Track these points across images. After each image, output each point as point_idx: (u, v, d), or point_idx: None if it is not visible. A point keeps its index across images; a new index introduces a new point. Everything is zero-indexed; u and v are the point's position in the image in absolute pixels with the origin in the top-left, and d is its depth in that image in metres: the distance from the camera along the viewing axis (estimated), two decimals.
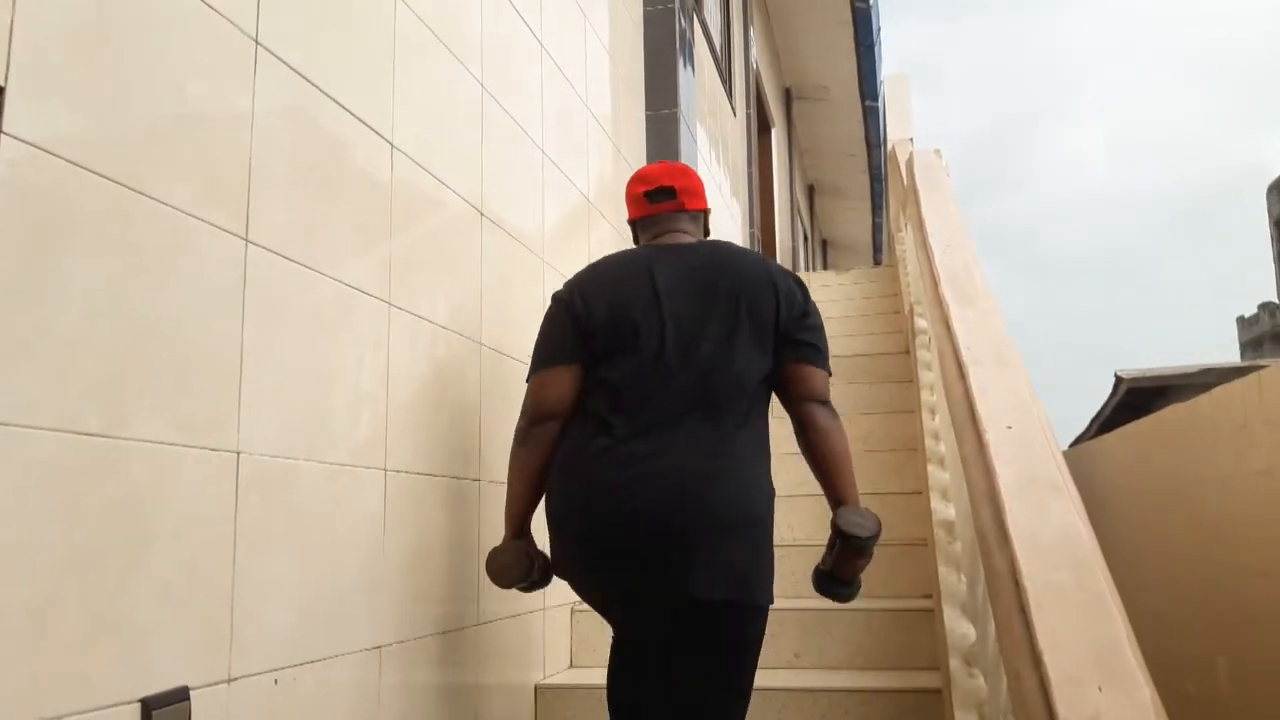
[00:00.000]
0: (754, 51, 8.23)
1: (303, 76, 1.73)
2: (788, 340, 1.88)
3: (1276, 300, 34.08)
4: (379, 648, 1.87)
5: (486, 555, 2.00)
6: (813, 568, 1.96)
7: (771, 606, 1.81)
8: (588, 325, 1.87)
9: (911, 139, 7.47)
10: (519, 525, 1.95)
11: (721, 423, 1.79)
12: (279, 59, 1.66)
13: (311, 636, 1.66)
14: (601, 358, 1.85)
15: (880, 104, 10.99)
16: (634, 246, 2.09)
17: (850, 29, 9.50)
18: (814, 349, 1.91)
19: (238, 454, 1.50)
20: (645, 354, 1.82)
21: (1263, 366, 3.82)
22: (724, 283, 1.87)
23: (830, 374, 1.95)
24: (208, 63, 1.49)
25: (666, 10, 4.28)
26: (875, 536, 1.88)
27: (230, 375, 1.51)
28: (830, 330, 3.97)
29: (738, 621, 1.74)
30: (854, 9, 9.16)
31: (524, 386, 1.95)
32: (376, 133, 1.97)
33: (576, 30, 3.33)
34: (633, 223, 2.12)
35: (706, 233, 2.12)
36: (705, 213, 2.11)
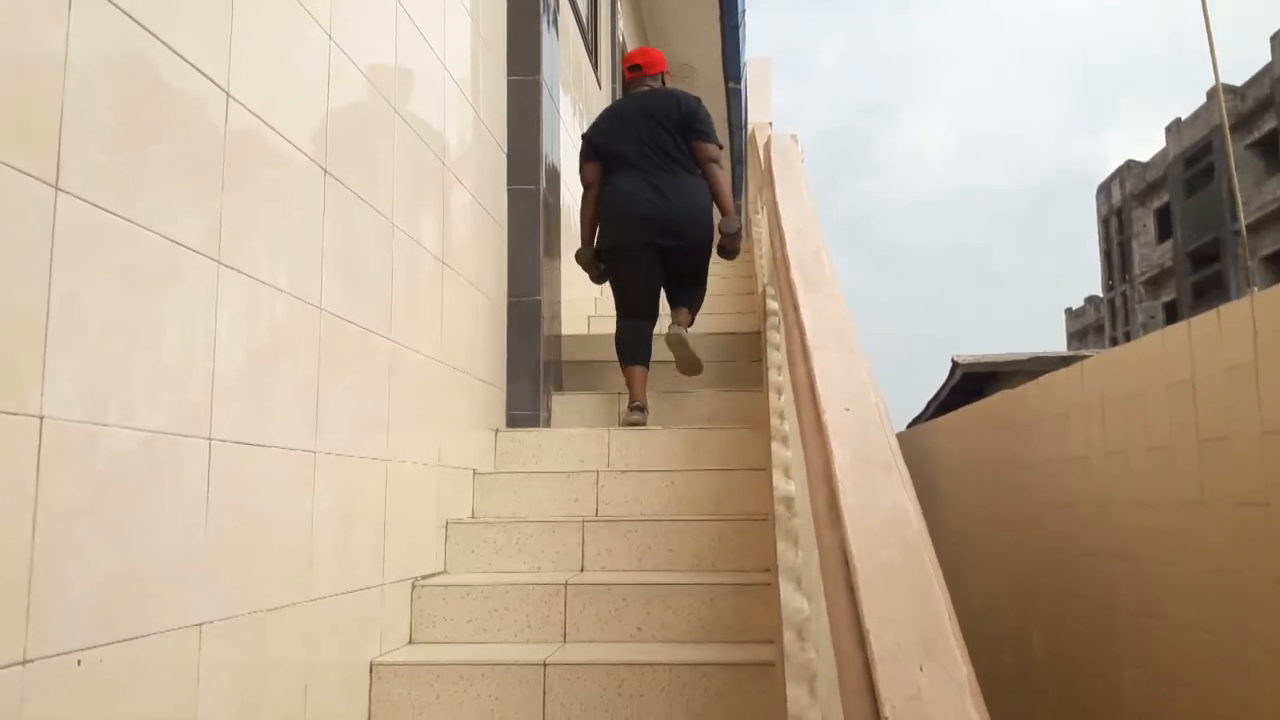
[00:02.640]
0: (621, 24, 8.20)
1: (128, 15, 1.60)
2: (688, 128, 4.00)
3: (1101, 295, 36.52)
4: (200, 625, 1.77)
5: (574, 254, 4.24)
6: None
7: (615, 580, 2.85)
8: (599, 146, 4.08)
9: (771, 122, 7.60)
10: (589, 238, 4.15)
11: (673, 172, 3.97)
12: None
13: (123, 614, 1.56)
14: (607, 160, 4.05)
15: (743, 86, 11.14)
16: (623, 96, 4.39)
17: (717, 10, 9.58)
18: (703, 132, 4.02)
19: (40, 419, 1.39)
20: (628, 153, 3.99)
21: (1086, 356, 4.06)
22: (657, 106, 4.03)
23: (721, 146, 4.08)
24: None
25: None
26: (738, 233, 4.07)
27: (34, 334, 1.39)
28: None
29: (695, 252, 4.08)
30: None
31: (367, 353, 2.56)
32: (211, 80, 1.84)
33: None
34: (625, 83, 4.37)
35: (663, 82, 4.35)
36: (662, 74, 4.36)
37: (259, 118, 2.02)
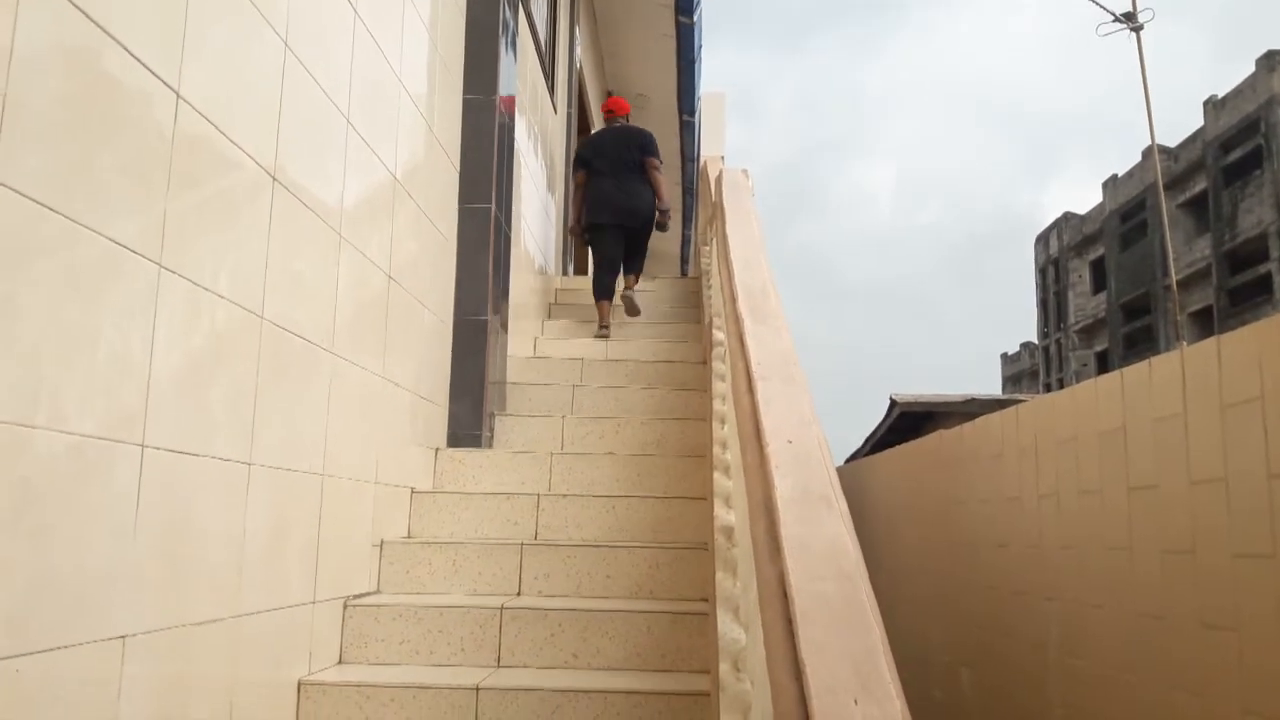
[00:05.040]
0: (579, 52, 8.24)
1: (78, 7, 1.57)
2: (645, 150, 6.17)
3: (1036, 341, 37.37)
4: (123, 637, 1.72)
5: (567, 228, 6.87)
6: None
7: (552, 605, 2.86)
8: (588, 159, 6.19)
9: (723, 157, 7.68)
10: (579, 217, 6.26)
11: (633, 181, 6.11)
12: None
13: (40, 623, 1.51)
14: (592, 169, 6.14)
15: (696, 120, 11.25)
16: (603, 127, 6.62)
17: (674, 43, 9.68)
18: (652, 153, 6.20)
19: None
20: (606, 165, 6.10)
21: (1021, 400, 4.15)
22: (623, 137, 6.26)
23: (661, 160, 6.32)
24: None
25: None
26: (667, 212, 6.26)
27: None
28: (635, 333, 4.78)
29: (642, 227, 6.22)
30: (678, 24, 9.34)
31: (308, 365, 2.53)
32: (161, 80, 1.81)
33: (395, 3, 3.20)
34: (605, 120, 6.63)
35: (627, 119, 6.64)
36: (626, 115, 6.62)
37: (209, 121, 1.99)
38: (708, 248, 5.84)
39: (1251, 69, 24.23)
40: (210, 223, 2.01)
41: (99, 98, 1.64)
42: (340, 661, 2.74)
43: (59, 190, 1.53)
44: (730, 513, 2.76)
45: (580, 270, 8.50)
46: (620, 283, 6.13)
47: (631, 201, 6.08)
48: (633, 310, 6.02)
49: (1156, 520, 2.67)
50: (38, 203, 1.48)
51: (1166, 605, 2.61)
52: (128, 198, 1.72)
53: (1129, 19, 5.54)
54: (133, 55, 1.72)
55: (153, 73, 1.78)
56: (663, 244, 16.38)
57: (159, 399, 1.82)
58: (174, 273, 1.86)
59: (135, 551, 1.75)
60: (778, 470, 1.61)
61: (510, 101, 4.44)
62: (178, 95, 1.87)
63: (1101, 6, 5.36)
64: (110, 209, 1.67)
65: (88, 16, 1.59)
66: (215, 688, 2.07)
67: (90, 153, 1.61)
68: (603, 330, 5.82)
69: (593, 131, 8.91)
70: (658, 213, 6.23)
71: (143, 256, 1.76)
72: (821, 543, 1.39)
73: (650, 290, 6.96)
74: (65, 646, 1.56)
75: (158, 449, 1.81)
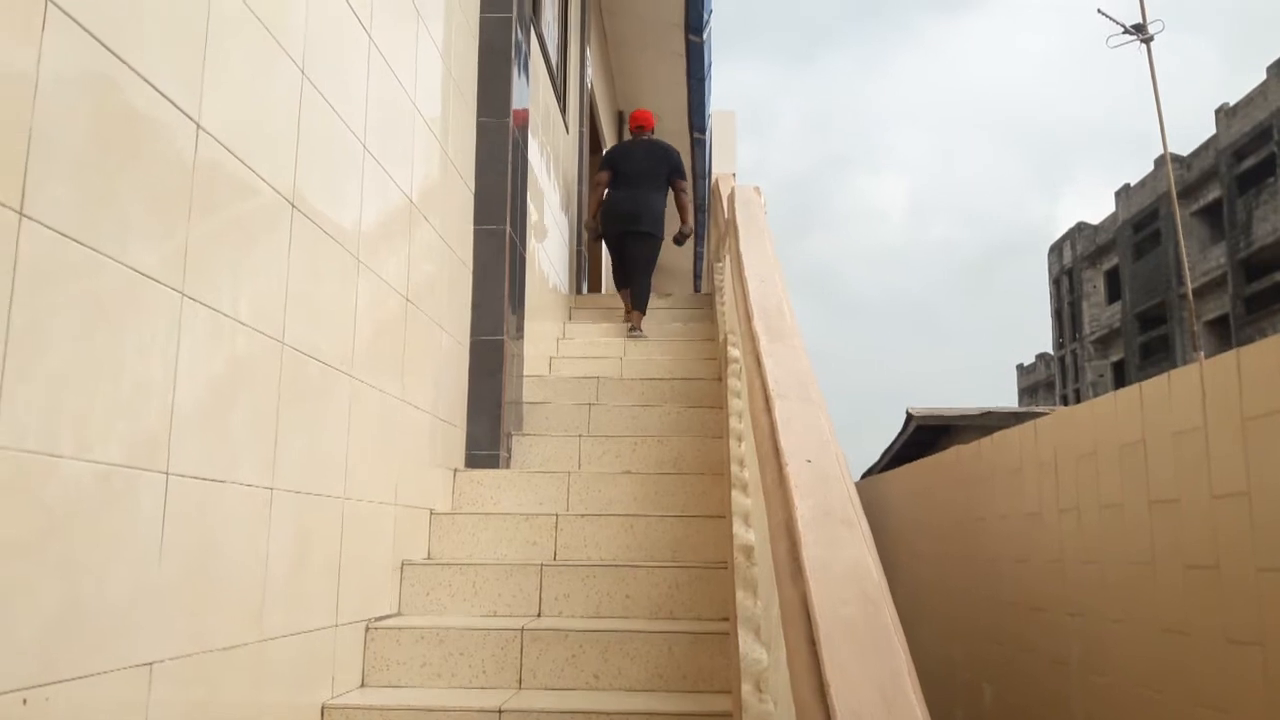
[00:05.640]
0: (590, 71, 8.29)
1: (100, 42, 1.59)
2: (673, 172, 6.63)
3: (1052, 352, 37.20)
4: (150, 664, 1.73)
5: (584, 224, 7.25)
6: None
7: (573, 626, 2.71)
8: (613, 163, 6.61)
9: (734, 174, 7.71)
10: (595, 214, 6.75)
11: (650, 190, 6.53)
12: (73, 20, 1.52)
13: (69, 651, 1.52)
14: (616, 173, 6.57)
15: (707, 137, 11.29)
16: (630, 138, 6.91)
17: (684, 61, 9.73)
18: (680, 174, 6.69)
19: None
20: (629, 173, 6.54)
21: (1039, 413, 4.13)
22: (654, 151, 6.63)
23: (686, 179, 6.86)
24: None
25: (504, 19, 4.23)
26: (690, 234, 6.84)
27: None
28: (649, 353, 4.78)
29: (653, 239, 6.53)
30: (688, 42, 9.39)
31: (328, 389, 2.54)
32: (182, 111, 1.84)
33: (409, 28, 3.24)
34: (632, 132, 6.94)
35: (653, 132, 6.95)
36: (653, 129, 6.93)
37: (228, 150, 2.01)
38: (720, 264, 5.86)
39: (1263, 77, 24.18)
40: (230, 250, 2.03)
41: (121, 130, 1.66)
42: (363, 685, 2.75)
43: (83, 221, 1.55)
44: (750, 531, 2.76)
45: (594, 288, 8.52)
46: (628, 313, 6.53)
47: (638, 208, 6.44)
48: (637, 332, 6.33)
49: (1178, 534, 2.66)
50: (62, 234, 1.50)
51: (1190, 620, 2.59)
52: (150, 227, 1.74)
53: (1139, 30, 5.54)
54: (154, 87, 1.75)
55: (174, 104, 1.81)
56: (676, 260, 16.42)
57: (182, 426, 1.83)
58: (196, 300, 1.88)
59: (161, 579, 1.76)
60: (797, 491, 1.61)
61: (523, 122, 4.47)
62: (198, 126, 1.89)
63: (1111, 19, 5.37)
64: (133, 239, 1.69)
65: (110, 50, 1.62)
66: (241, 713, 2.07)
67: (113, 184, 1.64)
68: (629, 322, 6.40)
69: (605, 148, 9.20)
70: (680, 233, 6.76)
71: (165, 285, 1.78)
72: (843, 565, 1.38)
73: (663, 307, 6.99)
74: (93, 675, 1.57)
75: (182, 476, 1.83)
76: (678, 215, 6.77)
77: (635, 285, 6.40)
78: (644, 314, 6.38)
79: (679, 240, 6.78)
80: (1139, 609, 2.87)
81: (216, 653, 1.96)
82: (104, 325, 1.61)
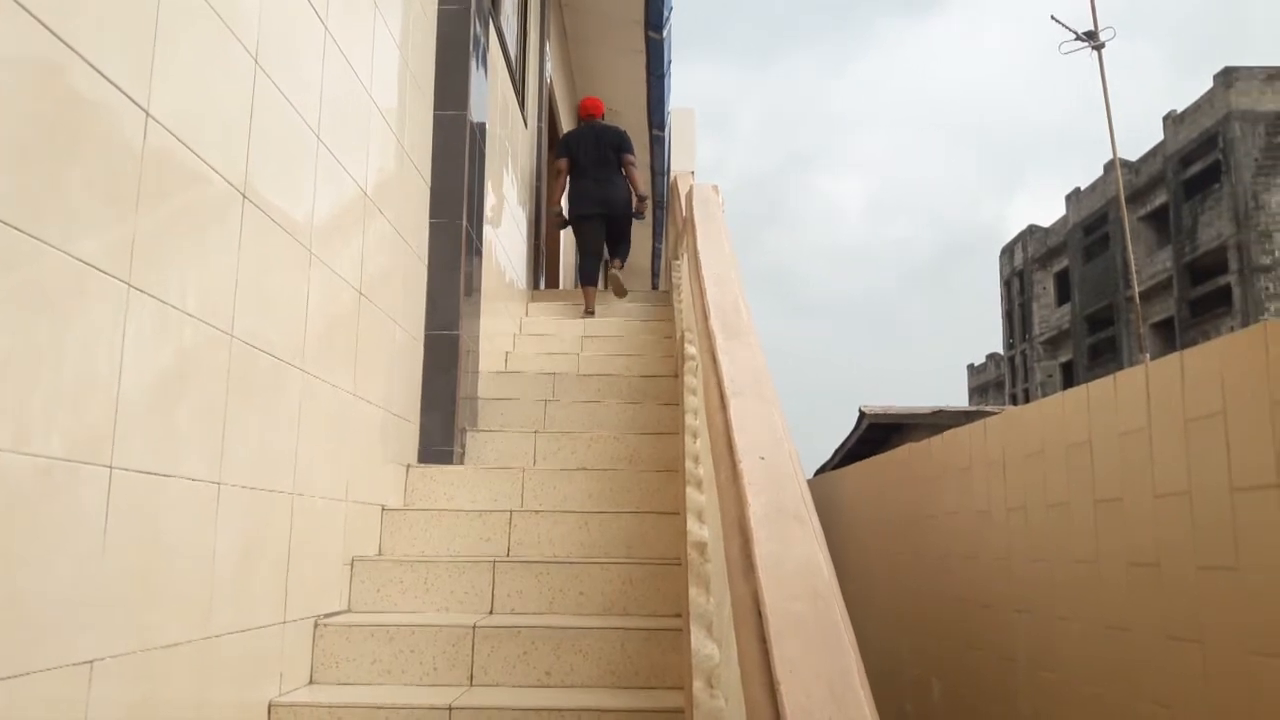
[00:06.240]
0: (549, 67, 8.26)
1: (46, 27, 1.55)
2: (619, 150, 6.95)
3: (1002, 353, 37.77)
4: (91, 662, 1.69)
5: (547, 213, 7.48)
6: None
7: (525, 623, 2.79)
8: (570, 150, 6.94)
9: (693, 172, 7.72)
10: (557, 201, 7.12)
11: (609, 174, 6.92)
12: (17, 3, 1.48)
13: (4, 649, 1.48)
14: (576, 163, 6.91)
15: (666, 134, 11.30)
16: (580, 125, 7.20)
17: (643, 57, 9.73)
18: (627, 149, 7.00)
19: None
20: (586, 163, 6.88)
21: (989, 412, 4.19)
22: (603, 136, 6.97)
23: (634, 154, 7.09)
24: None
25: (462, 10, 4.20)
26: (644, 200, 7.04)
27: None
28: (606, 349, 4.79)
29: (625, 217, 6.99)
30: (648, 39, 9.39)
31: (278, 383, 2.50)
32: (130, 99, 1.80)
33: (366, 19, 3.20)
34: (581, 120, 7.24)
35: (602, 119, 7.23)
36: (601, 115, 7.25)
37: (178, 138, 1.98)
38: (678, 262, 5.86)
39: (1210, 85, 24.72)
40: (179, 241, 1.99)
41: (67, 117, 1.63)
42: (311, 682, 2.72)
43: (25, 209, 1.51)
44: (703, 528, 2.77)
45: (551, 284, 8.49)
46: (606, 273, 7.10)
47: (608, 192, 6.93)
48: (620, 291, 6.83)
49: (1122, 533, 2.71)
50: (4, 222, 1.46)
51: (1132, 617, 2.64)
52: (96, 216, 1.70)
53: (1090, 37, 5.63)
54: (101, 74, 1.71)
55: (122, 91, 1.77)
56: (635, 258, 16.47)
57: (127, 419, 1.80)
58: (142, 291, 1.84)
59: (103, 575, 1.73)
60: (751, 488, 1.62)
61: (481, 116, 4.44)
62: (147, 114, 1.85)
63: (1064, 25, 5.46)
64: (78, 228, 1.65)
65: (55, 35, 1.58)
66: (185, 711, 2.04)
67: (58, 172, 1.60)
68: (588, 313, 6.67)
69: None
70: (635, 199, 7.02)
71: (111, 275, 1.74)
72: (795, 562, 1.39)
73: (621, 304, 6.99)
74: (30, 673, 1.54)
75: (126, 470, 1.79)
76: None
77: (615, 247, 7.03)
78: (624, 264, 7.08)
79: (638, 212, 7.02)
80: (1084, 606, 2.92)
81: (160, 650, 1.92)
82: (46, 316, 1.58)
